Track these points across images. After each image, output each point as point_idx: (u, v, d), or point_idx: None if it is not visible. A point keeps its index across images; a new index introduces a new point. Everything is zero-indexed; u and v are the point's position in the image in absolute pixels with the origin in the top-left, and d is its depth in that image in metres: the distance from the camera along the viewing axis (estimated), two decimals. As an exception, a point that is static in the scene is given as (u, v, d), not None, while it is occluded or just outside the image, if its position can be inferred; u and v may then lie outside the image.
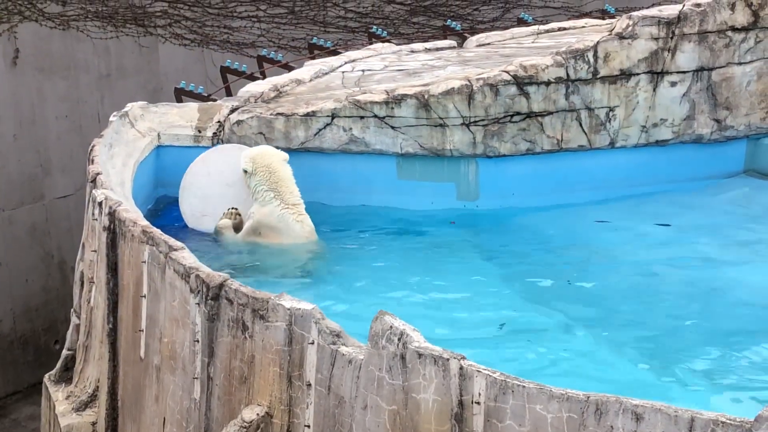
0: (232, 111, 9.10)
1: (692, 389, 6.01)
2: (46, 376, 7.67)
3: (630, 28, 9.02)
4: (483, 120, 8.88)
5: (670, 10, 9.13)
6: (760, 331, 6.80)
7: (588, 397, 4.70)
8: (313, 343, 5.49)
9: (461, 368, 4.98)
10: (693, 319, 7.03)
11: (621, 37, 9.02)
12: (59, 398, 7.33)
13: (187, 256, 6.18)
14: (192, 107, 9.28)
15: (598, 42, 9.01)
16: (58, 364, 7.62)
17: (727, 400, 5.90)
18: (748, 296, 7.34)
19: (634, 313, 7.10)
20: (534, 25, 12.43)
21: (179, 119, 9.12)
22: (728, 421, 4.43)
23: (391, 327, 5.19)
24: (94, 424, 7.05)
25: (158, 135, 8.98)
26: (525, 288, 7.47)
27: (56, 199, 12.84)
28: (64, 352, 7.66)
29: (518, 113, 8.92)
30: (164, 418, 6.30)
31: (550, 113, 8.95)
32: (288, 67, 11.31)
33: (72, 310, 7.78)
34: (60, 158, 12.77)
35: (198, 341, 5.98)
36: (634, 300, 7.32)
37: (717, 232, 8.49)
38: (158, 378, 6.36)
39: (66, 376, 7.62)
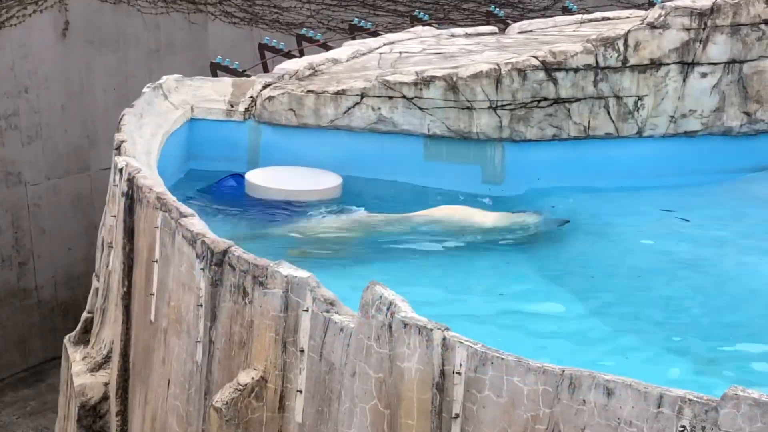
0: (265, 87, 9.25)
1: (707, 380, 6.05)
2: (66, 337, 7.89)
3: (662, 18, 9.02)
4: (510, 104, 8.94)
5: (704, 1, 9.12)
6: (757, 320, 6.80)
7: (563, 371, 4.78)
8: (307, 311, 5.62)
9: (444, 339, 5.08)
10: (710, 311, 7.04)
11: (652, 26, 9.03)
12: (76, 359, 7.54)
13: (195, 223, 6.33)
14: (226, 82, 9.44)
15: (629, 31, 9.03)
16: (78, 326, 7.83)
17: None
18: (758, 289, 7.34)
19: (651, 304, 7.13)
20: (578, 14, 12.43)
21: (213, 93, 9.28)
22: (696, 399, 4.49)
23: (381, 297, 5.30)
24: (106, 384, 7.24)
25: (191, 108, 9.14)
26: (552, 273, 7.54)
27: (101, 170, 13.09)
28: (84, 315, 7.87)
29: (545, 99, 8.96)
30: (169, 380, 6.46)
31: (578, 100, 8.99)
32: (326, 47, 11.45)
33: (94, 273, 7.98)
34: (106, 131, 13.00)
35: (202, 305, 6.14)
36: (650, 290, 7.34)
37: (741, 226, 8.47)
38: (165, 341, 6.52)
39: (85, 338, 7.82)
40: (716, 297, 7.08)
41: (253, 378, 5.79)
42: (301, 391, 5.66)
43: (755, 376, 5.90)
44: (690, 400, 4.50)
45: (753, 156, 9.32)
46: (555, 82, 8.92)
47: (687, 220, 8.42)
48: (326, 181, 8.89)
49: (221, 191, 8.81)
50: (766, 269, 7.70)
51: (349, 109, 9.02)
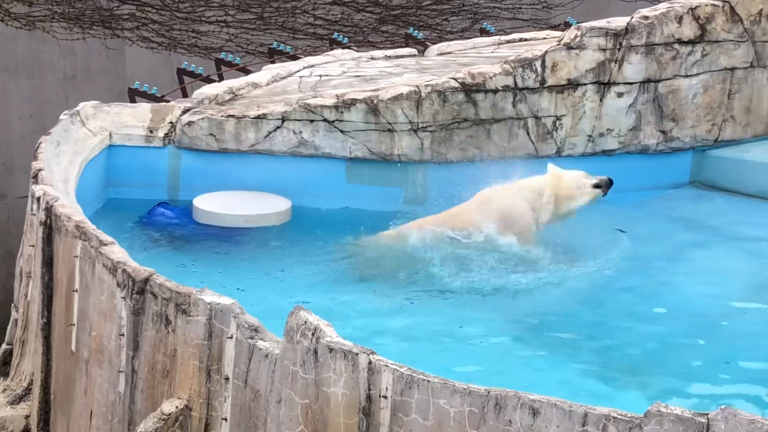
0: (184, 112, 9.18)
1: (626, 392, 6.10)
2: (-15, 370, 7.75)
3: (578, 39, 9.14)
4: (431, 126, 8.98)
5: (618, 22, 9.26)
6: (690, 337, 6.89)
7: (489, 392, 4.80)
8: (231, 338, 5.58)
9: (370, 363, 5.07)
10: (632, 329, 7.10)
11: (569, 47, 9.14)
12: (-4, 391, 7.40)
13: (116, 251, 6.26)
14: (145, 107, 9.36)
15: (546, 51, 9.13)
16: (-3, 358, 7.70)
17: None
18: (684, 304, 7.43)
19: (575, 319, 7.19)
20: (496, 35, 12.54)
21: (131, 119, 9.19)
22: (620, 417, 4.53)
23: (305, 322, 5.28)
24: (27, 417, 7.12)
25: (110, 134, 9.06)
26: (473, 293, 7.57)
27: (18, 198, 12.91)
28: (3, 346, 7.74)
29: (466, 120, 9.02)
30: (91, 411, 6.37)
31: (498, 121, 9.07)
32: (246, 71, 11.42)
33: (12, 304, 7.86)
34: (23, 158, 12.84)
35: (123, 335, 6.06)
36: (575, 305, 7.40)
37: (659, 242, 8.57)
38: (87, 371, 6.43)
39: (4, 370, 7.68)
40: (638, 315, 7.16)
41: (177, 407, 5.73)
42: (226, 419, 5.61)
43: (677, 393, 5.97)
44: (614, 417, 4.54)
45: (669, 173, 9.46)
46: (475, 103, 8.98)
47: (624, 231, 8.51)
48: (277, 205, 8.86)
49: (155, 221, 8.73)
50: (685, 286, 7.80)
51: (270, 133, 9.00)
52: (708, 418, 4.37)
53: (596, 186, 8.29)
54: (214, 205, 8.80)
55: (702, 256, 8.26)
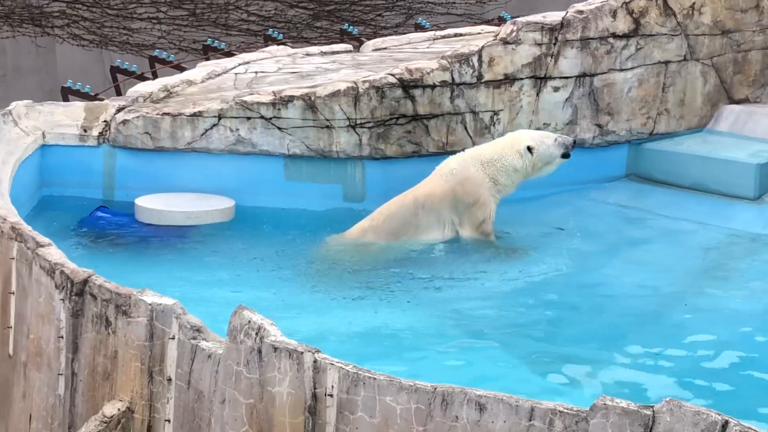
0: (119, 110, 9.08)
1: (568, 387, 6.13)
2: None
3: (514, 34, 9.17)
4: (369, 122, 8.97)
5: (554, 17, 9.29)
6: (633, 331, 6.93)
7: (435, 389, 4.79)
8: (173, 338, 5.53)
9: (315, 361, 5.05)
10: (575, 322, 7.13)
11: (505, 42, 9.16)
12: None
13: (53, 252, 6.18)
14: (78, 106, 9.25)
15: (482, 47, 9.14)
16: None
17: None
18: (625, 297, 7.48)
19: (517, 316, 7.19)
20: (431, 30, 12.57)
21: (65, 118, 9.09)
22: (566, 411, 4.55)
23: (249, 321, 5.25)
24: (-36, 422, 7.00)
25: (43, 134, 8.94)
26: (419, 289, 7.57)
27: (-51, 199, 12.69)
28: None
29: (404, 116, 9.02)
30: (30, 415, 6.28)
31: (435, 116, 9.07)
32: (180, 68, 11.33)
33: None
34: (-47, 158, 12.63)
35: (63, 337, 5.99)
36: (517, 302, 7.42)
37: (597, 236, 8.62)
38: (25, 375, 6.34)
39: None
40: (579, 309, 7.20)
41: (119, 409, 5.66)
42: (169, 421, 5.56)
43: (622, 386, 6.01)
44: (560, 411, 4.56)
45: (606, 167, 9.51)
46: (413, 99, 8.98)
47: (562, 229, 8.54)
48: (220, 203, 8.80)
49: (95, 223, 8.63)
50: (624, 279, 7.82)
51: (207, 131, 8.94)
52: (654, 411, 4.41)
53: (564, 156, 8.47)
54: (157, 203, 8.74)
55: (640, 248, 8.33)
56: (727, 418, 4.29)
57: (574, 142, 8.63)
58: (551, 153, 8.47)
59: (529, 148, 8.38)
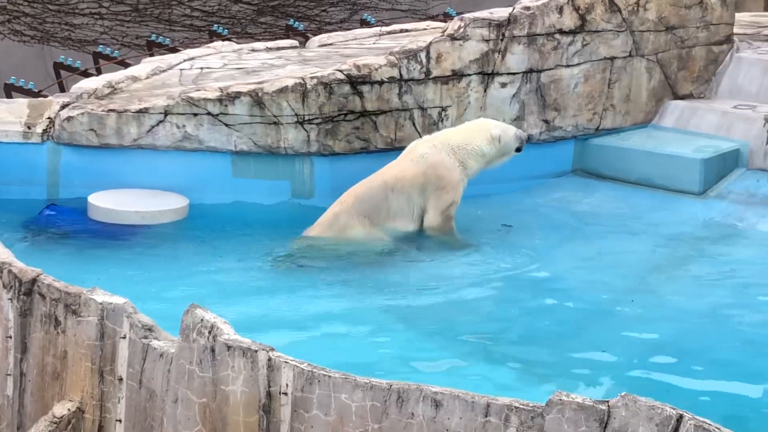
0: (63, 107, 8.98)
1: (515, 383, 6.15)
2: None
3: (461, 30, 9.18)
4: (317, 118, 8.94)
5: (501, 13, 9.32)
6: (583, 327, 6.96)
7: (390, 386, 4.79)
8: (124, 338, 5.48)
9: (269, 359, 5.02)
10: (525, 318, 7.14)
11: (453, 38, 9.18)
12: None
13: (0, 251, 6.09)
14: (21, 103, 9.15)
15: (430, 43, 9.15)
16: None
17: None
18: (573, 293, 7.50)
19: (470, 313, 7.19)
20: (377, 26, 12.56)
21: (8, 115, 8.97)
22: (522, 406, 4.56)
23: (202, 320, 5.21)
24: None
25: (-15, 131, 8.82)
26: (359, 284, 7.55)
27: None
28: None
29: (352, 112, 9.00)
30: (-23, 416, 6.19)
31: (384, 112, 9.06)
32: (124, 64, 11.22)
33: None
34: None
35: (11, 337, 5.91)
36: (468, 299, 7.41)
37: (544, 232, 8.64)
38: (-28, 375, 6.24)
39: None
40: (530, 306, 7.22)
41: (69, 409, 5.60)
42: (120, 421, 5.51)
43: (579, 380, 6.04)
44: (516, 407, 4.58)
45: (553, 162, 9.56)
46: (361, 95, 8.97)
47: (509, 225, 8.56)
48: (174, 202, 8.73)
49: (45, 221, 8.52)
50: (574, 275, 7.85)
51: (153, 127, 8.86)
52: (609, 405, 4.43)
53: (518, 150, 8.57)
54: (111, 201, 8.65)
55: (587, 244, 8.37)
56: (681, 412, 4.32)
57: (529, 137, 8.69)
58: (511, 145, 8.55)
59: (498, 135, 8.45)
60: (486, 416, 4.60)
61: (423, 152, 8.38)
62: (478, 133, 8.48)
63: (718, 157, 9.20)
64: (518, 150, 8.60)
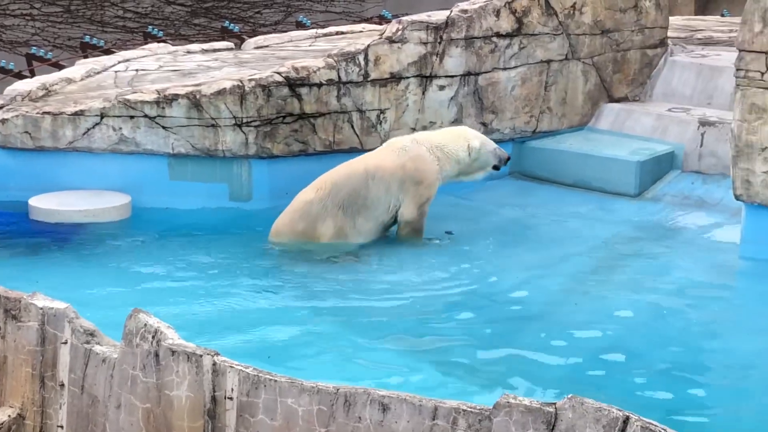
0: (-3, 109, 8.86)
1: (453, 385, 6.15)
2: None
3: (400, 33, 9.20)
4: (255, 121, 8.90)
5: (439, 16, 9.36)
6: (526, 330, 6.98)
7: (338, 390, 4.77)
8: (66, 343, 5.40)
9: (214, 364, 4.98)
10: (462, 322, 7.14)
11: (391, 41, 9.19)
12: None
13: (-64, 256, 5.99)
14: (-46, 106, 8.99)
15: (368, 45, 9.16)
16: None
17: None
18: (514, 297, 7.52)
19: (415, 318, 7.16)
20: (312, 28, 12.53)
21: (-59, 118, 8.81)
22: (469, 409, 4.56)
23: (145, 325, 5.15)
24: None
25: None
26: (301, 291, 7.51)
27: None
28: None
29: (291, 114, 8.97)
30: None
31: (322, 115, 9.05)
32: (59, 66, 11.10)
33: None
34: None
35: (-52, 343, 5.79)
36: (412, 304, 7.39)
37: (483, 236, 8.64)
38: None
39: None
40: (474, 308, 7.22)
41: (9, 416, 5.51)
42: (62, 427, 5.43)
43: (525, 383, 6.07)
44: (464, 410, 4.58)
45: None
46: (299, 97, 8.95)
47: (451, 233, 8.56)
48: (117, 200, 8.67)
49: None
50: (513, 278, 7.82)
51: (89, 130, 8.78)
52: (556, 408, 4.45)
53: (495, 167, 8.57)
54: (53, 202, 8.56)
55: (526, 247, 8.39)
56: (628, 414, 4.35)
57: (509, 158, 8.67)
58: (488, 159, 8.54)
59: (477, 147, 8.44)
60: (434, 419, 4.60)
61: (404, 145, 8.39)
62: (457, 138, 8.48)
63: (653, 159, 9.31)
64: (496, 168, 8.57)
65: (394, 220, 8.35)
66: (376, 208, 8.23)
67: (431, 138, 8.48)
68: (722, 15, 15.04)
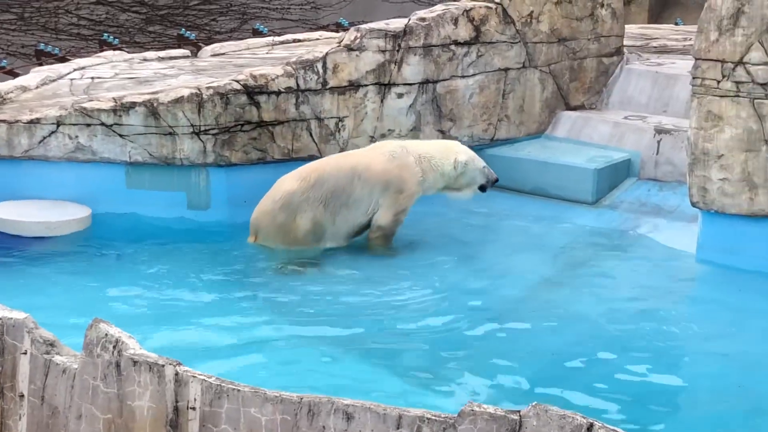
0: (-49, 117, 8.76)
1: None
2: None
3: (358, 41, 9.20)
4: (213, 129, 8.87)
5: (397, 24, 9.37)
6: (488, 339, 6.99)
7: (301, 399, 4.76)
8: (25, 353, 5.34)
9: (177, 374, 4.95)
10: (431, 328, 7.15)
11: (350, 48, 9.19)
12: None
13: None
14: None
15: (327, 53, 9.15)
16: None
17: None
18: (474, 306, 7.54)
19: (377, 325, 7.17)
20: (269, 36, 12.51)
21: None
22: (434, 417, 4.57)
23: (106, 334, 5.11)
24: None
25: None
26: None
27: None
28: None
29: (249, 122, 8.95)
30: None
31: (281, 123, 9.03)
32: (13, 74, 11.01)
33: None
34: None
35: None
36: (376, 311, 7.39)
37: (441, 243, 8.66)
38: None
39: None
40: (435, 317, 7.23)
41: (-33, 429, 5.45)
42: (21, 439, 5.38)
43: (490, 391, 6.08)
44: (428, 419, 4.58)
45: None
46: (257, 105, 8.92)
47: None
48: (78, 211, 8.59)
49: None
50: (474, 286, 7.85)
51: (45, 138, 8.70)
52: (520, 415, 4.46)
53: (482, 188, 8.61)
54: (13, 213, 8.47)
55: (484, 255, 8.42)
56: (592, 421, 4.37)
57: (497, 179, 8.69)
58: (475, 177, 8.58)
59: (463, 162, 8.45)
60: (398, 428, 4.59)
61: (392, 150, 8.41)
62: (446, 151, 8.53)
63: (610, 167, 9.37)
64: (482, 189, 8.60)
65: (368, 225, 8.36)
66: (357, 208, 8.25)
67: (420, 148, 8.52)
68: (676, 24, 15.17)
